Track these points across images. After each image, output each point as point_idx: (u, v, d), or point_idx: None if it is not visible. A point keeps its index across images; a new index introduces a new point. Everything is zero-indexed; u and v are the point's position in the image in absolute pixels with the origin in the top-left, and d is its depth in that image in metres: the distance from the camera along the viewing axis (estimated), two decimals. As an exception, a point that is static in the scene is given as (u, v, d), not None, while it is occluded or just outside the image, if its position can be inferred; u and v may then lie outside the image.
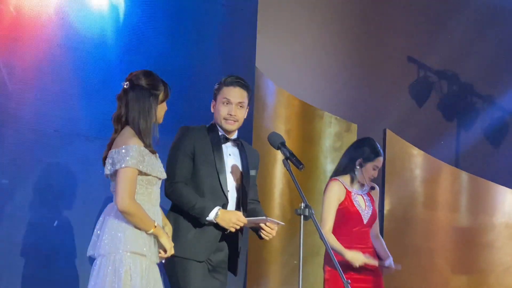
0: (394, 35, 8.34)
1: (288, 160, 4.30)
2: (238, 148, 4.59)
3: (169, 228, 4.39)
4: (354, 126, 7.33)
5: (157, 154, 4.29)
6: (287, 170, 4.28)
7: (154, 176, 4.23)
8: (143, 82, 4.27)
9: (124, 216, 4.15)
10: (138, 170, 4.16)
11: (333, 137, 7.23)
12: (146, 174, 4.20)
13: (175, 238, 4.36)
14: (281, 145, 4.36)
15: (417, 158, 7.65)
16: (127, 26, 5.68)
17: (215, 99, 4.59)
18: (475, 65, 8.43)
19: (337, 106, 7.68)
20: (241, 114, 4.55)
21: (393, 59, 8.35)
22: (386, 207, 7.36)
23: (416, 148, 7.63)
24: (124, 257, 4.12)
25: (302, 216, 4.12)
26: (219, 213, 4.38)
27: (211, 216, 4.38)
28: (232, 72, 6.30)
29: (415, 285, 7.32)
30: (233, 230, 4.41)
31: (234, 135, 4.59)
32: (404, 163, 7.54)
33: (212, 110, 4.61)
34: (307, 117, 7.07)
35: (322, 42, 7.82)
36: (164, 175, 4.32)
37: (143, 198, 4.22)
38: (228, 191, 4.48)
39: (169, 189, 4.46)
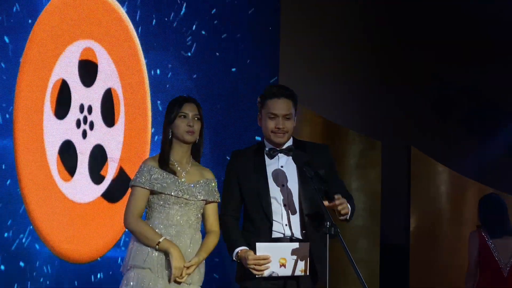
0: (417, 52, 8.31)
1: (313, 179, 4.18)
2: (294, 153, 4.32)
3: (202, 255, 4.24)
4: (379, 144, 7.28)
5: (181, 175, 4.22)
6: (313, 188, 4.18)
7: (168, 195, 4.18)
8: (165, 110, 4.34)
9: (130, 232, 4.23)
10: (146, 188, 4.17)
11: (357, 154, 7.19)
12: (158, 193, 4.18)
13: None
14: (305, 164, 4.24)
15: (442, 175, 7.60)
16: (155, 51, 5.68)
17: (261, 112, 4.38)
18: (497, 80, 8.37)
19: (361, 124, 7.64)
20: (290, 125, 4.31)
21: (416, 76, 8.32)
22: (412, 224, 7.31)
23: (441, 165, 7.58)
24: (130, 274, 4.14)
25: (328, 234, 4.03)
26: (239, 253, 4.22)
27: (234, 256, 4.24)
28: (255, 91, 6.36)
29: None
30: (255, 272, 4.18)
31: (286, 144, 4.36)
32: (430, 180, 7.50)
33: (259, 124, 4.42)
34: (330, 135, 7.01)
35: (345, 60, 7.80)
36: (196, 197, 4.24)
37: (159, 216, 4.20)
38: (280, 210, 4.24)
39: (220, 222, 4.36)
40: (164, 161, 4.22)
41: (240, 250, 4.20)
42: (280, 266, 4.14)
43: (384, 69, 8.10)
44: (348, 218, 4.24)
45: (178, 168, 4.25)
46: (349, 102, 7.74)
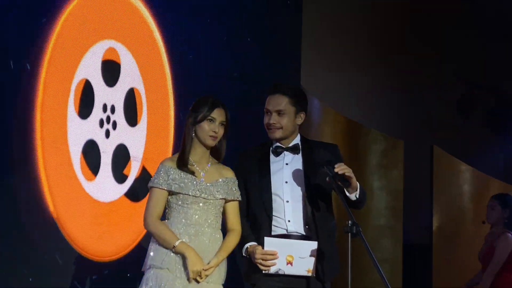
0: (440, 50, 8.28)
1: (334, 179, 4.18)
2: (301, 152, 4.34)
3: (221, 255, 4.23)
4: (401, 143, 7.25)
5: (199, 174, 4.23)
6: (333, 188, 4.18)
7: (186, 194, 4.19)
8: (191, 106, 4.31)
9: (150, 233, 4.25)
10: (163, 189, 4.18)
11: (379, 154, 7.16)
12: (176, 193, 4.19)
13: None
14: (325, 163, 4.23)
15: (465, 173, 7.56)
16: (177, 51, 5.70)
17: None
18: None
19: (383, 123, 7.62)
20: (284, 120, 4.30)
21: (439, 75, 8.29)
22: (435, 223, 7.28)
23: (464, 164, 7.54)
24: (149, 273, 4.17)
25: (349, 233, 4.02)
26: (248, 248, 4.22)
27: (244, 252, 4.25)
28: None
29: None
30: (261, 267, 4.16)
31: (291, 142, 4.37)
32: (452, 179, 7.46)
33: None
34: (353, 134, 7.00)
35: (367, 59, 7.78)
36: (215, 196, 4.25)
37: (177, 215, 4.21)
38: (284, 207, 4.25)
39: None
40: (182, 161, 4.21)
41: (250, 245, 4.21)
42: (287, 263, 4.14)
43: (406, 68, 8.08)
44: (357, 197, 4.18)
45: (197, 168, 4.24)
46: (372, 102, 7.73)
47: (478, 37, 8.39)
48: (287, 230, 4.25)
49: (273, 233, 4.24)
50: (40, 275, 4.79)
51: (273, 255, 4.14)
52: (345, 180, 4.15)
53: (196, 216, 4.22)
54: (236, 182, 4.33)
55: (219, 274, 4.23)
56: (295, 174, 4.30)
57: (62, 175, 4.91)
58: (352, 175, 4.13)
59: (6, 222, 4.61)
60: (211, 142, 4.24)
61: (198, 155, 4.26)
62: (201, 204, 4.22)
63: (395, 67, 8.03)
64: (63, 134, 4.94)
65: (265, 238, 4.16)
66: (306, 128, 6.38)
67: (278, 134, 4.31)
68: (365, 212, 6.84)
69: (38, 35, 4.81)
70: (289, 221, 4.26)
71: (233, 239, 4.27)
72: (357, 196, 4.18)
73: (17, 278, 4.66)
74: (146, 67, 5.46)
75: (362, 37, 7.75)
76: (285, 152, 4.34)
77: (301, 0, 6.74)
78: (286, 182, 4.29)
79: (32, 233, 4.74)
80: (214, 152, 4.31)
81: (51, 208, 4.84)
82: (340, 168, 4.11)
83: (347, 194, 4.16)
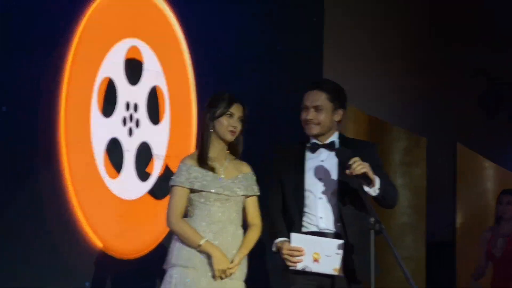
0: (462, 47, 8.24)
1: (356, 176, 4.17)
2: (337, 150, 4.29)
3: (243, 252, 4.26)
4: (424, 140, 7.23)
5: (219, 171, 4.25)
6: (356, 185, 4.15)
7: (209, 192, 4.20)
8: (207, 101, 4.34)
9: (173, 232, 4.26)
10: (185, 187, 4.20)
11: (402, 151, 7.14)
12: (198, 191, 4.19)
13: None
14: (348, 160, 4.22)
15: (489, 170, 7.53)
16: (199, 49, 5.71)
17: None
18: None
19: (406, 120, 7.60)
20: (321, 116, 4.26)
21: (461, 71, 8.25)
22: (458, 221, 7.26)
23: (488, 161, 7.51)
24: (173, 271, 4.19)
25: (373, 231, 4.01)
26: (277, 243, 4.22)
27: (274, 248, 4.24)
28: (299, 89, 6.36)
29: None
30: (288, 264, 4.16)
31: (328, 139, 4.33)
32: (476, 176, 7.43)
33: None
34: (375, 131, 6.98)
35: (389, 56, 7.76)
36: (236, 193, 4.27)
37: (200, 213, 4.23)
38: (317, 204, 4.25)
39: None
40: (203, 159, 4.24)
41: (279, 240, 4.21)
42: (314, 261, 4.13)
43: (429, 64, 8.05)
44: (378, 192, 4.13)
45: (216, 164, 4.27)
46: (394, 99, 7.71)
47: (501, 32, 8.35)
48: (318, 227, 4.24)
49: (304, 230, 4.24)
50: (64, 273, 4.81)
51: (300, 252, 4.14)
52: (368, 179, 4.14)
53: (219, 214, 4.24)
54: (254, 177, 4.36)
55: (241, 271, 4.26)
56: (330, 171, 4.27)
57: (86, 173, 4.94)
58: (366, 169, 4.08)
59: (31, 221, 4.63)
60: (230, 137, 4.27)
61: (216, 151, 4.29)
62: (223, 201, 4.24)
63: (418, 64, 8.01)
64: (87, 133, 4.96)
65: (292, 234, 4.16)
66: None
67: (315, 130, 4.29)
68: (388, 210, 6.81)
69: (61, 34, 4.83)
70: (321, 218, 4.25)
71: (254, 234, 4.30)
72: (378, 191, 4.14)
73: (42, 276, 4.68)
74: (168, 65, 5.47)
75: (384, 34, 7.73)
76: (321, 149, 4.31)
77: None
78: (320, 179, 4.27)
79: (56, 231, 4.77)
80: (231, 148, 4.34)
81: (76, 205, 4.87)
82: (354, 161, 4.08)
83: (366, 189, 4.13)
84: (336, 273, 4.14)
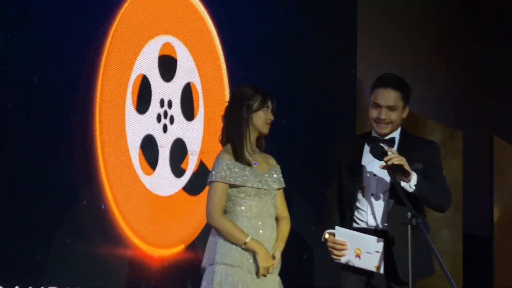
0: (498, 39, 8.17)
1: (390, 170, 4.14)
2: (398, 146, 4.27)
3: (281, 246, 4.29)
4: (460, 134, 7.19)
5: (253, 166, 4.26)
6: (392, 179, 4.14)
7: (251, 187, 4.20)
8: (236, 95, 4.36)
9: (214, 229, 4.24)
10: (226, 183, 4.20)
11: (437, 145, 7.11)
12: (238, 186, 4.19)
13: None
14: (381, 155, 4.19)
15: (527, 164, 7.47)
16: (232, 45, 5.72)
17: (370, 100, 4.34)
18: None
19: (441, 113, 7.56)
20: (394, 115, 4.23)
21: (497, 64, 8.18)
22: (496, 214, 7.21)
23: (526, 154, 7.45)
24: (217, 269, 4.18)
25: (410, 226, 3.99)
26: (325, 235, 4.22)
27: (323, 238, 4.25)
28: (333, 83, 6.34)
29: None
30: (332, 256, 4.18)
31: (390, 135, 4.30)
32: (514, 169, 7.38)
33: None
34: (410, 125, 6.91)
35: (423, 49, 7.72)
36: (271, 186, 4.26)
37: (241, 209, 4.24)
38: (372, 201, 4.23)
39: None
40: (241, 154, 4.25)
41: (328, 232, 4.22)
42: (356, 256, 4.14)
43: (464, 57, 8.00)
44: (414, 188, 4.08)
45: (250, 158, 4.29)
46: (428, 92, 7.67)
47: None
48: (367, 223, 4.24)
49: (355, 225, 4.25)
50: (101, 269, 4.84)
51: (343, 246, 4.13)
52: (403, 171, 4.11)
53: (259, 208, 4.26)
54: (279, 169, 4.37)
55: (278, 265, 4.29)
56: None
57: (121, 170, 4.97)
58: (402, 162, 4.05)
59: (67, 217, 4.67)
60: (267, 130, 4.32)
61: (249, 145, 4.32)
62: (262, 196, 4.26)
63: (452, 56, 7.97)
64: (122, 130, 4.99)
65: (336, 227, 4.16)
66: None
67: (387, 129, 4.27)
68: (424, 204, 6.80)
69: (95, 32, 4.86)
70: (371, 214, 4.24)
71: (287, 227, 4.35)
72: (414, 188, 4.09)
73: (78, 272, 4.72)
74: (202, 61, 5.48)
75: (418, 26, 7.69)
76: (372, 143, 4.26)
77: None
78: (375, 175, 4.26)
79: (92, 227, 4.80)
80: (257, 141, 4.37)
81: (111, 202, 4.90)
82: (390, 153, 4.06)
83: (402, 184, 4.11)
84: (376, 270, 4.14)
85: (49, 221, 4.57)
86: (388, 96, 4.23)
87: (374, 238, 4.14)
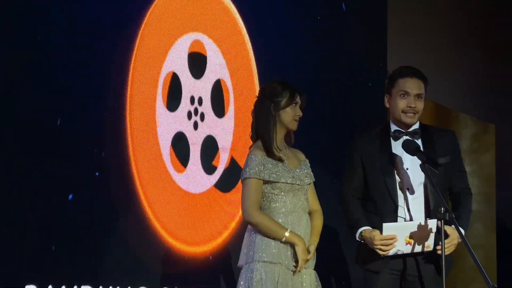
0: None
1: (426, 165, 4.12)
2: (421, 138, 4.28)
3: (316, 240, 4.28)
4: (492, 127, 7.16)
5: (285, 161, 4.26)
6: (425, 174, 4.12)
7: (285, 183, 4.20)
8: (265, 91, 4.33)
9: (251, 226, 4.23)
10: (260, 179, 4.19)
11: (469, 138, 7.08)
12: (272, 182, 4.20)
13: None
14: (416, 151, 4.18)
15: (559, 157, 7.42)
16: (262, 41, 5.74)
17: (389, 93, 4.31)
18: None
19: (473, 107, 7.54)
20: (420, 105, 4.25)
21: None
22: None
23: (558, 146, 7.40)
24: (256, 266, 4.16)
25: (442, 220, 3.97)
26: (363, 233, 4.21)
27: (357, 237, 4.24)
28: (364, 78, 6.34)
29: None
30: (380, 253, 4.15)
31: (412, 127, 4.29)
32: (547, 162, 7.34)
33: (387, 106, 4.35)
34: (442, 119, 6.92)
35: (454, 43, 7.69)
36: (304, 181, 4.27)
37: (275, 205, 4.23)
38: (407, 195, 4.22)
39: (339, 201, 4.39)
40: (272, 150, 4.24)
41: (364, 230, 4.19)
42: (406, 244, 4.14)
43: (496, 50, 7.95)
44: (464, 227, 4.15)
45: (281, 154, 4.28)
46: (460, 85, 7.65)
47: None
48: (405, 219, 4.22)
49: (399, 220, 4.22)
50: (135, 266, 4.87)
51: (393, 239, 4.11)
52: (436, 165, 4.10)
53: (294, 204, 4.26)
54: (308, 163, 4.36)
55: (313, 260, 4.28)
56: (414, 161, 4.21)
57: (153, 168, 4.99)
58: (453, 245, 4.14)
59: (101, 215, 4.70)
60: (295, 126, 4.30)
61: (279, 141, 4.30)
62: (295, 191, 4.26)
63: (484, 50, 7.92)
64: (153, 127, 5.01)
65: (384, 224, 4.12)
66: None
67: (415, 118, 4.27)
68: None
69: (125, 30, 4.89)
70: (408, 209, 4.22)
71: (320, 221, 4.34)
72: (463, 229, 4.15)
73: (112, 267, 4.76)
74: (231, 58, 5.50)
75: (448, 20, 7.66)
76: (404, 136, 4.27)
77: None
78: (407, 169, 4.24)
79: (125, 225, 4.83)
80: (286, 136, 4.35)
81: (143, 200, 4.92)
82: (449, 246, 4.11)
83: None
84: (428, 249, 4.15)
85: (83, 219, 4.60)
86: (416, 85, 4.25)
87: (428, 220, 4.13)
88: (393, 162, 4.25)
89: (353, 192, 4.32)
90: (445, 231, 4.04)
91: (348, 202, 4.31)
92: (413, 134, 4.27)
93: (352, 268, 5.98)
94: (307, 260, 4.18)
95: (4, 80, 4.28)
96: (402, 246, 4.14)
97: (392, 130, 4.30)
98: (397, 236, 4.11)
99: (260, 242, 4.17)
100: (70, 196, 4.55)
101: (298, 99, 4.29)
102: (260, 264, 4.16)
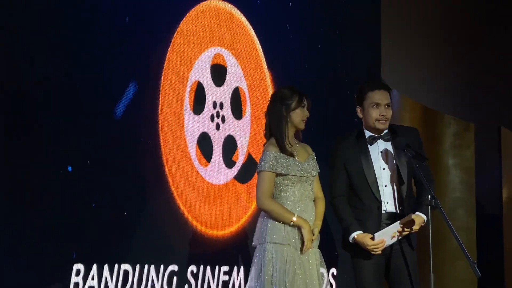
0: (506, 40, 8.11)
1: (414, 159, 4.19)
2: (392, 140, 4.31)
3: (319, 224, 4.27)
4: (472, 126, 7.15)
5: (295, 157, 4.26)
6: (414, 166, 4.17)
7: (294, 175, 4.23)
8: (277, 95, 4.32)
9: (264, 212, 4.24)
10: (273, 172, 4.20)
11: (452, 136, 7.08)
12: (284, 174, 4.22)
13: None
14: (405, 147, 4.25)
15: (531, 150, 7.42)
16: (273, 54, 5.72)
17: (361, 105, 4.33)
18: None
19: (456, 108, 7.54)
20: (390, 112, 4.30)
21: (504, 64, 8.13)
22: (504, 194, 7.17)
23: (530, 142, 7.40)
24: (268, 247, 4.17)
25: (429, 206, 4.03)
26: (356, 238, 4.24)
27: (351, 240, 4.26)
28: (355, 85, 6.25)
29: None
30: (373, 252, 4.20)
31: (384, 132, 4.33)
32: (519, 155, 7.33)
33: (360, 116, 4.36)
34: (428, 119, 6.94)
35: (440, 52, 7.69)
36: (310, 173, 4.29)
37: (285, 195, 4.23)
38: (383, 190, 4.26)
39: (330, 202, 4.38)
40: (284, 146, 4.24)
41: (357, 235, 4.22)
42: (392, 237, 4.21)
43: (475, 58, 7.95)
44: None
45: (292, 149, 4.28)
46: (445, 91, 7.64)
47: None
48: (386, 210, 4.26)
49: (382, 213, 4.25)
50: (166, 247, 4.89)
51: (383, 242, 4.18)
52: (423, 159, 4.16)
53: (301, 193, 4.26)
54: (315, 156, 4.35)
55: (317, 240, 4.28)
56: (389, 160, 4.28)
57: (181, 162, 5.00)
58: (416, 228, 4.18)
59: (137, 204, 4.73)
60: (303, 126, 4.29)
61: (290, 138, 4.29)
62: (303, 182, 4.26)
63: (465, 58, 7.92)
64: (181, 128, 5.02)
65: (375, 234, 4.18)
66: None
67: (387, 124, 4.30)
68: (442, 187, 6.79)
69: (157, 46, 4.90)
70: (387, 202, 4.26)
71: (323, 207, 4.33)
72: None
73: (147, 250, 4.78)
74: (248, 68, 5.49)
75: (436, 31, 7.64)
76: (378, 140, 4.31)
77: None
78: (384, 169, 4.28)
79: (157, 212, 4.84)
80: (296, 135, 4.34)
81: (173, 190, 4.93)
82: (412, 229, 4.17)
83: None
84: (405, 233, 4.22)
85: (122, 207, 4.63)
86: (385, 95, 4.28)
87: (405, 217, 4.20)
88: (371, 163, 4.28)
89: (340, 192, 4.33)
90: (412, 219, 4.13)
91: (339, 205, 4.31)
92: (386, 137, 4.30)
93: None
94: (312, 241, 4.19)
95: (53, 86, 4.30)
96: (389, 241, 4.21)
97: (367, 136, 4.32)
98: (385, 239, 4.17)
99: (272, 226, 4.18)
100: (118, 184, 4.60)
101: (305, 102, 4.28)
102: (271, 245, 4.16)
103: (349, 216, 4.28)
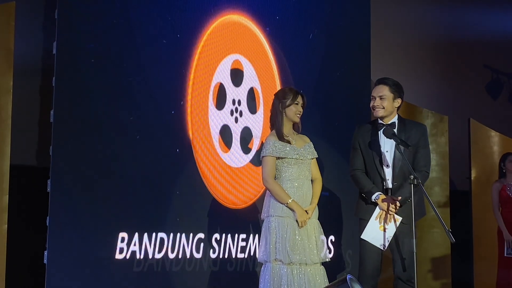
0: (473, 47, 8.13)
1: (400, 145, 4.24)
2: (397, 127, 4.28)
3: (315, 202, 4.29)
4: (446, 118, 7.17)
5: (293, 143, 4.27)
6: (399, 152, 4.21)
7: (291, 158, 4.23)
8: (278, 95, 4.35)
9: (268, 190, 4.26)
10: (274, 156, 4.22)
11: (430, 126, 7.08)
12: (282, 158, 4.23)
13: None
14: (392, 135, 4.28)
15: (495, 138, 7.42)
16: (282, 60, 5.68)
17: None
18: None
19: (433, 103, 7.56)
20: (385, 103, 4.26)
21: (472, 65, 8.15)
22: (473, 175, 7.19)
23: (493, 131, 7.40)
24: (272, 219, 4.20)
25: (412, 184, 4.05)
26: (379, 197, 4.24)
27: (373, 199, 4.25)
28: (349, 83, 6.21)
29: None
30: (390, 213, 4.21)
31: (390, 120, 4.32)
32: (485, 142, 7.32)
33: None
34: (411, 113, 6.96)
35: (420, 57, 7.71)
36: (306, 157, 4.28)
37: (284, 175, 4.24)
38: (385, 169, 4.26)
39: (350, 175, 4.38)
40: (281, 135, 4.26)
41: (381, 194, 4.21)
42: (388, 221, 4.21)
43: (449, 62, 7.96)
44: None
45: (289, 138, 4.30)
46: (424, 88, 7.64)
47: (504, 34, 8.20)
48: (387, 185, 4.28)
49: (384, 188, 4.26)
50: (194, 219, 4.91)
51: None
52: (407, 145, 4.18)
53: (298, 173, 4.27)
54: (312, 145, 4.36)
55: (316, 212, 4.31)
56: (391, 144, 4.27)
57: (206, 149, 5.02)
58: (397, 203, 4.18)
59: (171, 182, 4.74)
60: (297, 119, 4.31)
61: (287, 129, 4.31)
62: (299, 164, 4.27)
63: (441, 62, 7.93)
64: (206, 122, 5.03)
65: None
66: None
67: (381, 112, 4.28)
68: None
69: (186, 52, 4.91)
70: (388, 179, 4.27)
71: (319, 187, 4.34)
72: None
73: (178, 221, 4.79)
74: (261, 72, 5.48)
75: (418, 38, 7.63)
76: (384, 127, 4.29)
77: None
78: (387, 151, 4.29)
79: (187, 190, 4.86)
80: (295, 126, 4.36)
81: (200, 172, 4.96)
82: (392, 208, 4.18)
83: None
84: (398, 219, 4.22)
85: (161, 185, 4.68)
86: (379, 89, 4.28)
87: (376, 214, 4.21)
88: (379, 146, 4.30)
89: (357, 167, 4.33)
90: (391, 197, 4.18)
91: (358, 177, 4.30)
92: (391, 125, 4.29)
93: (346, 218, 5.96)
94: (304, 221, 4.17)
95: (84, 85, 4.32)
96: (389, 232, 4.16)
97: (378, 123, 4.34)
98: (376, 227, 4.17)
99: (274, 202, 4.20)
100: (158, 166, 4.60)
101: (299, 100, 4.28)
102: (274, 217, 4.18)
103: (368, 183, 4.27)
